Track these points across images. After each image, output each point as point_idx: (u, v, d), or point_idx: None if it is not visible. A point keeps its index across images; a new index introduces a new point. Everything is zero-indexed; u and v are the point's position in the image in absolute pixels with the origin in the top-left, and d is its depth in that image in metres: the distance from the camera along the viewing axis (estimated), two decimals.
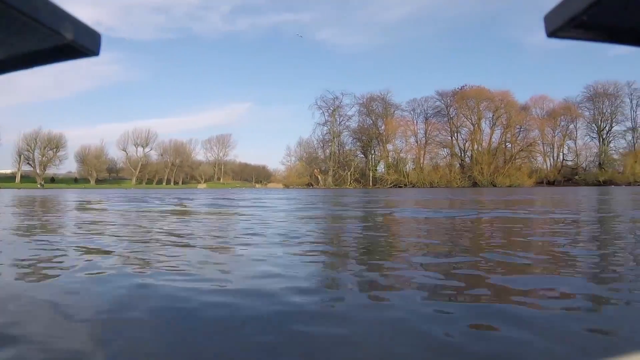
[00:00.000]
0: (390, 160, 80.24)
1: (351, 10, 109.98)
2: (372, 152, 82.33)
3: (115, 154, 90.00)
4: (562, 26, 0.42)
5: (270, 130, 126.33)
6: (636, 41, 0.44)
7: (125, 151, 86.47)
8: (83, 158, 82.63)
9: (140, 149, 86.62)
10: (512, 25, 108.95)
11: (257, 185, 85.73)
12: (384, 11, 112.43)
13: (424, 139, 79.99)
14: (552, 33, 0.44)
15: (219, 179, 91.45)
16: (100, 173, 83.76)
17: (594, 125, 76.73)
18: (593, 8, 0.37)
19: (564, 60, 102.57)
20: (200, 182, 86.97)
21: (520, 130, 77.74)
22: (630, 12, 0.38)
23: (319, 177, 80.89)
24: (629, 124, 75.86)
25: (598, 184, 70.04)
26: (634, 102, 75.05)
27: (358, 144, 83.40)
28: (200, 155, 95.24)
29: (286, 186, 77.76)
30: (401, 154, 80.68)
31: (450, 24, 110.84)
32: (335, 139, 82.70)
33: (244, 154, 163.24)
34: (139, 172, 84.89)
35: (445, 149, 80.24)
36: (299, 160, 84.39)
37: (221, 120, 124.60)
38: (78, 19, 0.41)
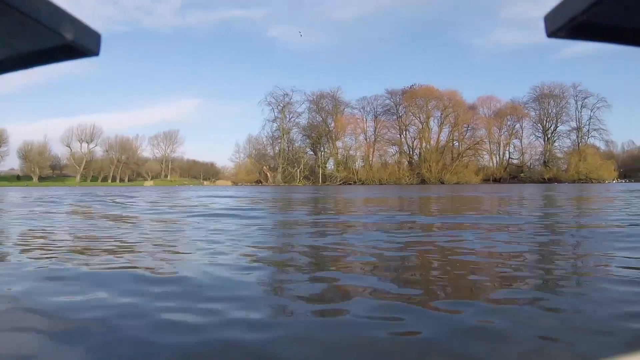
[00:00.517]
0: (339, 157, 79.97)
1: (304, 8, 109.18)
2: (322, 149, 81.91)
3: (59, 150, 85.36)
4: (562, 26, 0.41)
5: (220, 127, 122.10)
6: (636, 41, 0.43)
7: (69, 147, 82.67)
8: (25, 154, 78.56)
9: (85, 145, 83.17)
10: (462, 28, 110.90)
11: (205, 183, 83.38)
12: (337, 10, 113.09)
13: (373, 136, 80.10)
14: (552, 33, 0.43)
15: (166, 176, 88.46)
16: (43, 170, 80.00)
17: (539, 125, 78.85)
18: (593, 8, 0.37)
19: (511, 62, 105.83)
20: (147, 180, 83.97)
21: (467, 129, 78.95)
22: (630, 12, 0.38)
23: (268, 174, 79.19)
24: (573, 124, 78.04)
25: (543, 181, 71.33)
26: (579, 103, 77.29)
27: (308, 141, 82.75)
28: (147, 152, 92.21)
29: (235, 183, 76.01)
30: (350, 152, 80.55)
31: (402, 24, 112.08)
32: (285, 135, 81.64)
33: (193, 150, 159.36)
34: (84, 169, 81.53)
35: (394, 147, 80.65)
36: (248, 157, 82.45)
37: (170, 117, 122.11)
38: (78, 19, 0.41)
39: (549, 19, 0.43)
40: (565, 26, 0.41)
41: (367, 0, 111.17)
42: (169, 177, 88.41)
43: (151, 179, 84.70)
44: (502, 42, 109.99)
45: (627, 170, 78.96)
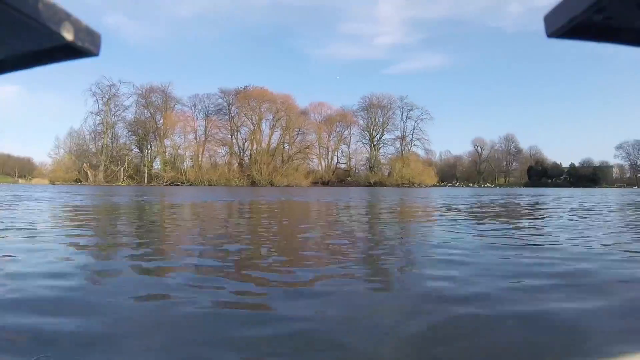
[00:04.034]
0: (167, 156, 75.85)
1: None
2: (149, 147, 76.77)
3: None
4: (561, 26, 0.41)
5: (40, 118, 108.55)
6: (636, 41, 0.43)
7: None
8: None
9: None
10: (300, 37, 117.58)
11: (20, 181, 73.32)
12: (178, 5, 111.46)
13: (203, 136, 77.48)
14: (552, 33, 0.43)
15: None
16: None
17: (366, 132, 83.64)
18: (593, 8, 0.37)
19: (344, 73, 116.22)
20: None
21: (298, 133, 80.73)
22: (630, 12, 0.38)
23: (88, 172, 72.02)
24: (398, 133, 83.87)
25: (369, 185, 74.84)
26: (404, 114, 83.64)
27: (134, 137, 76.81)
28: None
29: (52, 182, 67.58)
30: (179, 151, 76.89)
31: (242, 27, 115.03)
32: (109, 130, 74.90)
33: (8, 144, 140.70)
34: None
35: (224, 148, 79.07)
36: (68, 153, 74.31)
37: None
38: (78, 19, 0.41)
39: (548, 19, 0.42)
40: (565, 26, 0.40)
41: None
42: None
43: None
44: (337, 54, 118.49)
45: (444, 175, 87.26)
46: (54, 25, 0.37)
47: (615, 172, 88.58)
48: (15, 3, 0.33)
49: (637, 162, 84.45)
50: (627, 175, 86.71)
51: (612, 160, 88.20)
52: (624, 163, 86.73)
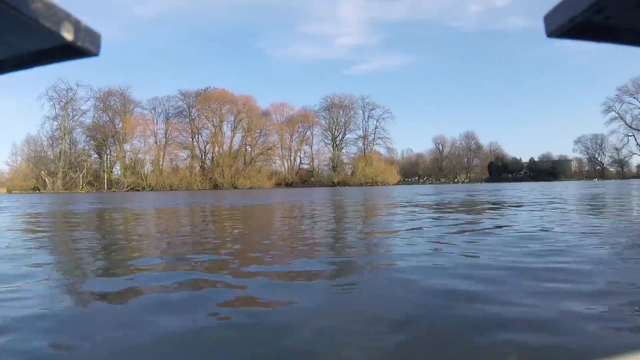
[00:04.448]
0: (127, 161, 74.75)
1: None
2: (108, 152, 75.50)
3: None
4: (561, 26, 0.42)
5: None
6: (636, 41, 0.43)
7: None
8: None
9: None
10: (261, 38, 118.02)
11: None
12: (138, 5, 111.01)
13: (164, 139, 76.60)
14: (552, 33, 0.43)
15: None
16: None
17: (329, 132, 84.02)
18: (593, 8, 0.38)
19: (306, 73, 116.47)
20: None
21: (260, 135, 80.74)
22: (630, 12, 0.38)
23: (46, 180, 70.82)
24: (360, 132, 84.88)
25: (332, 185, 75.41)
26: (366, 113, 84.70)
27: (92, 142, 75.39)
28: None
29: (9, 191, 66.22)
30: (139, 155, 75.84)
31: (202, 28, 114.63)
32: (67, 136, 73.52)
33: None
34: None
35: (185, 151, 78.55)
36: (25, 160, 72.89)
37: None
38: (78, 19, 0.41)
39: (548, 19, 0.42)
40: (564, 26, 0.40)
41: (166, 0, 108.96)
42: None
43: None
44: (299, 55, 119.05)
45: (406, 173, 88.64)
46: (54, 25, 0.37)
47: (574, 165, 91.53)
48: (15, 3, 0.33)
49: (595, 155, 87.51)
50: (586, 168, 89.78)
51: (571, 154, 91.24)
52: (582, 156, 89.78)
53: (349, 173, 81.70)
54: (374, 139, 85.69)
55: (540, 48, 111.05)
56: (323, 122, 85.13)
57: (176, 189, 67.72)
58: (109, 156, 75.32)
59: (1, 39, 0.39)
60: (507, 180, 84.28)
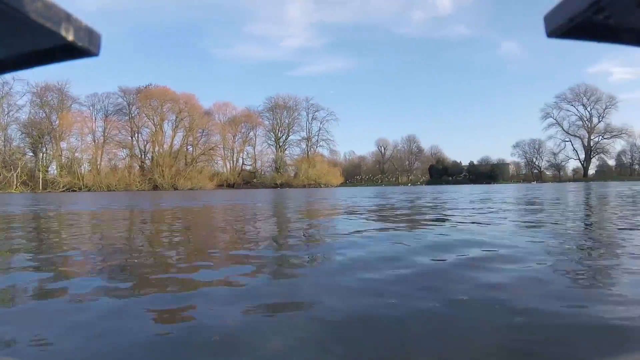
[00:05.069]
0: (63, 160, 71.82)
1: None
2: (44, 150, 72.16)
3: None
4: (561, 26, 0.41)
5: None
6: (636, 41, 0.43)
7: None
8: None
9: None
10: (205, 37, 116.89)
11: None
12: None
13: (102, 137, 74.25)
14: (552, 33, 0.43)
15: None
16: None
17: (272, 133, 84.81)
18: (593, 8, 0.37)
19: (250, 73, 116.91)
20: None
21: (202, 134, 79.80)
22: (630, 12, 0.38)
23: None
24: (304, 133, 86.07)
25: (275, 186, 76.48)
26: (310, 115, 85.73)
27: (28, 140, 71.49)
28: None
29: None
30: (76, 154, 73.08)
31: (145, 24, 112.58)
32: (1, 132, 70.31)
33: None
34: None
35: (124, 150, 76.29)
36: None
37: None
38: (78, 19, 0.41)
39: (548, 18, 0.42)
40: (564, 26, 0.41)
41: None
42: None
43: None
44: (244, 55, 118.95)
45: (349, 175, 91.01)
46: (54, 25, 0.37)
47: (512, 169, 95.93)
48: (15, 3, 0.33)
49: (532, 159, 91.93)
50: (523, 172, 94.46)
51: (509, 158, 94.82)
52: (520, 160, 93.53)
53: (292, 175, 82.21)
54: (317, 140, 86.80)
55: (481, 55, 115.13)
56: (267, 122, 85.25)
57: (114, 190, 66.05)
58: (44, 154, 72.12)
59: (1, 39, 0.39)
60: (448, 182, 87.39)
